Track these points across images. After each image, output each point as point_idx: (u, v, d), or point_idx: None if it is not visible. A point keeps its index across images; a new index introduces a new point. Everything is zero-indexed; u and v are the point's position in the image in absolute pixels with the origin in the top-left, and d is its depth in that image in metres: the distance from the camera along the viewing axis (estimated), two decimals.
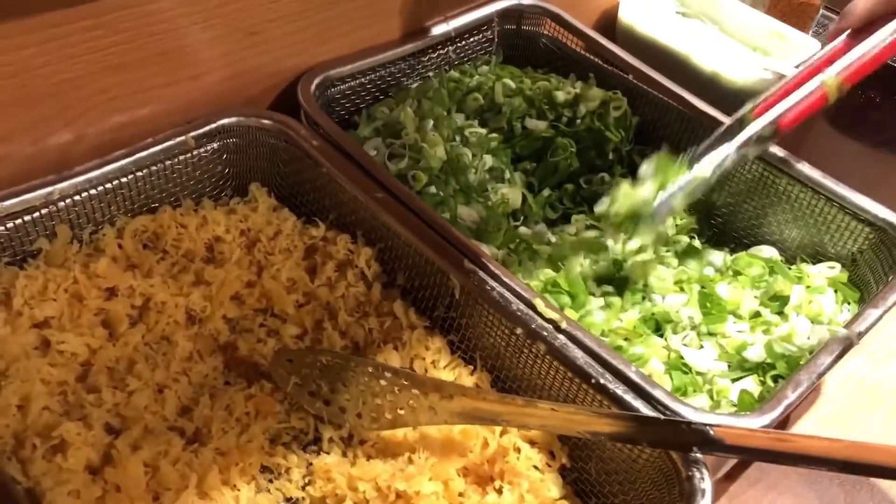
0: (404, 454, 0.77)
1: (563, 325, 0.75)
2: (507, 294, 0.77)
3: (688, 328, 0.89)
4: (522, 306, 0.76)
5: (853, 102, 1.14)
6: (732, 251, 1.02)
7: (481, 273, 0.78)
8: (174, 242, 0.86)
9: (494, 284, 0.78)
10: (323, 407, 0.78)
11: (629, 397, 0.71)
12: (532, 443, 0.77)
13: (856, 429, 0.91)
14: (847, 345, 0.77)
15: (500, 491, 0.73)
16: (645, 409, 0.70)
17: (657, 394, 0.70)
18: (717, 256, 0.99)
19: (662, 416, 0.69)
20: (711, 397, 0.82)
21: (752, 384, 0.83)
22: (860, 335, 0.78)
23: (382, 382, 0.76)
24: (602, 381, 0.72)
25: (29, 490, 0.62)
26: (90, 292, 0.78)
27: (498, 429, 0.77)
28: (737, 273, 0.96)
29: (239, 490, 0.73)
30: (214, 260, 0.87)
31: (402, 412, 0.76)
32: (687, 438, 0.65)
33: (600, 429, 0.68)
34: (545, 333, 0.75)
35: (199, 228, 0.87)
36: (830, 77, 0.85)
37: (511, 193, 1.00)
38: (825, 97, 0.85)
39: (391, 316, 0.85)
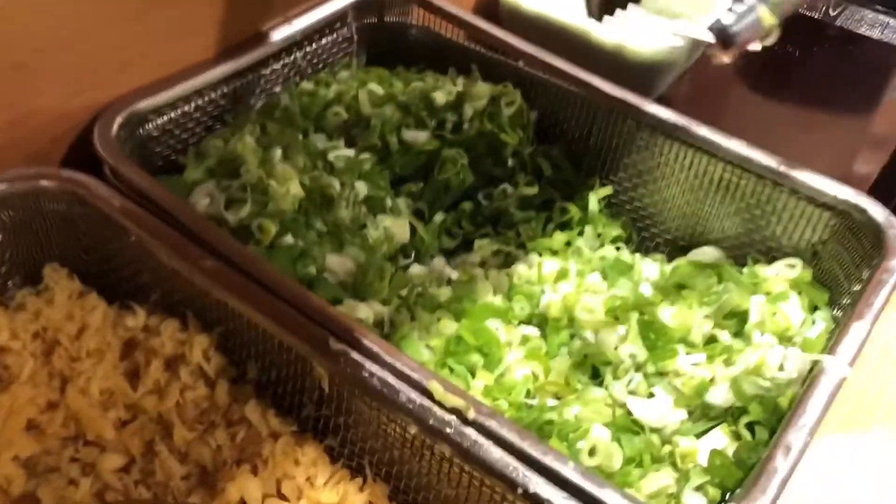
0: None
1: (471, 414, 0.55)
2: (392, 379, 0.57)
3: (631, 370, 0.71)
4: (414, 394, 0.56)
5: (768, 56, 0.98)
6: (669, 258, 0.84)
7: (353, 354, 0.58)
8: None
9: (373, 367, 0.57)
10: None
11: None
12: None
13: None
14: (840, 381, 0.59)
15: None
16: None
17: (607, 497, 0.51)
18: (652, 267, 0.80)
19: None
20: (675, 466, 0.63)
21: (722, 439, 0.64)
22: (852, 361, 0.61)
23: None
24: (532, 488, 0.52)
25: None
26: None
27: None
28: (679, 286, 0.78)
29: None
30: (0, 379, 0.64)
31: None
32: None
33: None
34: (448, 430, 0.55)
35: None
36: None
37: (395, 226, 0.80)
38: None
39: (245, 424, 0.63)
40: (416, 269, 0.80)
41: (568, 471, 0.52)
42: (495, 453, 0.53)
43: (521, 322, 0.76)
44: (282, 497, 0.61)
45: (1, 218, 0.68)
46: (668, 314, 0.73)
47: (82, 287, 0.70)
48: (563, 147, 0.88)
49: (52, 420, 0.63)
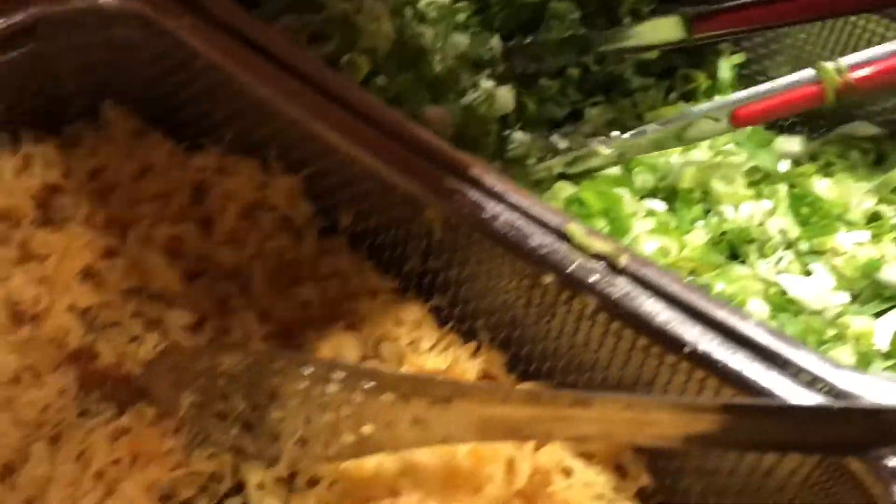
0: (382, 498, 0.47)
1: (623, 260, 0.45)
2: (520, 221, 0.47)
3: (780, 247, 0.60)
4: (549, 238, 0.46)
5: None
6: (808, 138, 0.72)
7: (473, 193, 0.48)
8: None
9: (497, 208, 0.47)
10: (242, 436, 0.48)
11: (752, 370, 0.41)
12: (588, 457, 0.47)
13: None
14: None
15: None
16: (787, 390, 0.41)
17: (802, 359, 0.41)
18: (793, 141, 0.69)
19: (832, 404, 0.40)
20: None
21: None
22: None
23: (332, 388, 0.45)
24: (703, 346, 0.42)
25: None
26: None
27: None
28: (828, 164, 0.67)
29: None
30: (51, 221, 0.55)
31: (370, 431, 0.46)
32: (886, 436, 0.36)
33: (708, 430, 0.38)
34: (593, 279, 0.45)
35: (19, 175, 0.55)
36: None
37: (500, 90, 0.69)
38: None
39: (336, 279, 0.54)
40: (519, 135, 0.70)
41: (749, 327, 0.42)
42: (653, 306, 0.43)
43: (643, 196, 0.66)
44: (380, 359, 0.52)
45: (54, 46, 0.58)
46: (824, 186, 0.62)
47: (141, 126, 0.60)
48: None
49: (112, 268, 0.54)
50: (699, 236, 0.61)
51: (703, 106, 0.65)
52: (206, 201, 0.57)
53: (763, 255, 0.60)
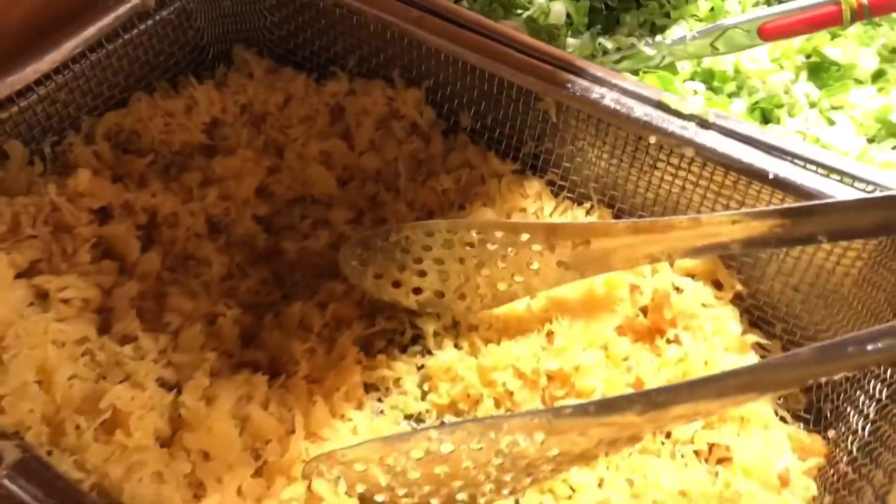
0: (536, 329, 0.60)
1: (711, 117, 0.57)
2: (624, 99, 0.59)
3: (805, 107, 0.73)
4: (648, 108, 0.59)
5: None
6: None
7: (582, 81, 0.60)
8: (162, 137, 0.65)
9: (602, 90, 0.60)
10: (414, 297, 0.61)
11: (818, 182, 0.54)
12: (691, 276, 0.61)
13: None
14: None
15: (676, 341, 0.58)
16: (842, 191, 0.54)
17: (851, 167, 0.54)
18: None
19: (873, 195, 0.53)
20: None
21: None
22: None
23: (490, 246, 0.58)
24: (782, 172, 0.55)
25: (97, 487, 0.43)
26: (78, 218, 0.57)
27: (646, 270, 0.61)
28: (834, 35, 0.80)
29: (351, 420, 0.55)
30: (219, 149, 0.67)
31: (519, 279, 0.59)
32: None
33: (771, 231, 0.51)
34: (688, 133, 0.57)
35: (187, 113, 0.66)
36: None
37: (553, 4, 0.81)
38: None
39: (466, 167, 0.66)
40: (572, 41, 0.82)
41: (811, 149, 0.55)
42: (739, 148, 0.56)
43: (685, 80, 0.78)
44: None
45: (195, 2, 0.68)
46: (836, 53, 0.75)
47: (273, 64, 0.71)
48: None
49: (278, 182, 0.66)
50: (738, 107, 0.74)
51: (735, 19, 0.74)
52: (344, 119, 0.68)
53: (792, 115, 0.73)
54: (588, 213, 0.64)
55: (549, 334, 0.59)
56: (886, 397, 0.51)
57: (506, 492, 0.49)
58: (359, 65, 0.69)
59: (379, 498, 0.49)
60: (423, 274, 0.60)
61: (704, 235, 0.53)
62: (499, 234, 0.58)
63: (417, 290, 0.61)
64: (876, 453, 0.48)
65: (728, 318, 0.59)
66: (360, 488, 0.49)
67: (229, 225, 0.64)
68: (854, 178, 0.54)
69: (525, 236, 0.57)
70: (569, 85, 0.60)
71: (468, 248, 0.59)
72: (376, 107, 0.67)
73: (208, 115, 0.66)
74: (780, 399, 0.58)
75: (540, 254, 0.58)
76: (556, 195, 0.65)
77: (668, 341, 0.58)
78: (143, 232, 0.61)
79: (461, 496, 0.49)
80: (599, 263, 0.57)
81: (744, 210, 0.55)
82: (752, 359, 0.58)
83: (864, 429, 0.52)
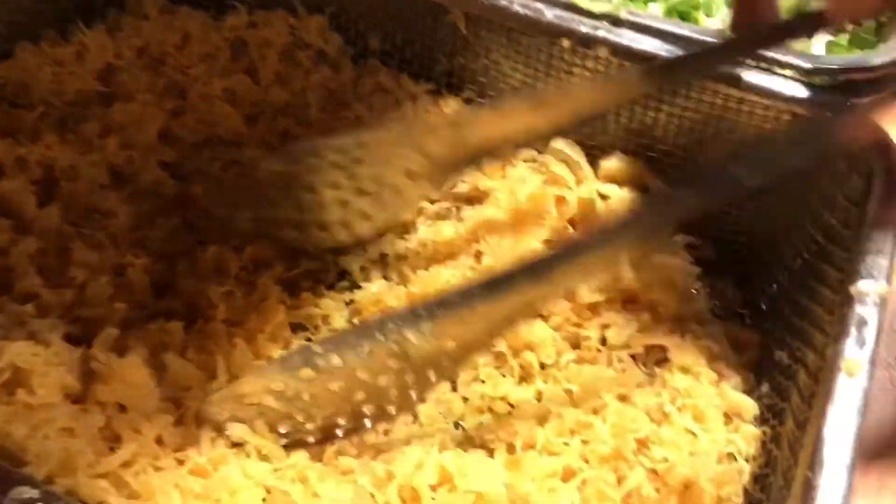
0: (464, 252, 0.58)
1: (623, 14, 0.56)
2: (533, 3, 0.57)
3: (723, 6, 0.72)
4: (558, 11, 0.56)
5: None
6: None
7: None
8: (53, 88, 0.61)
9: None
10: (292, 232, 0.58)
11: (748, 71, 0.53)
12: (616, 183, 0.59)
13: None
14: None
15: None
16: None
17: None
18: None
19: None
20: None
21: None
22: None
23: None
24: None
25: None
26: None
27: (570, 182, 0.59)
28: None
29: None
30: (117, 96, 0.63)
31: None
32: None
33: None
34: (602, 33, 0.55)
35: (79, 61, 0.62)
36: None
37: None
38: None
39: (378, 94, 0.64)
40: None
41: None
42: (655, 44, 0.55)
43: None
44: None
45: None
46: None
47: (168, 4, 0.67)
48: None
49: (183, 125, 0.63)
50: (654, 11, 0.72)
51: None
52: (247, 54, 0.65)
53: (710, 16, 0.72)
54: None
55: (478, 254, 0.57)
56: (816, 279, 0.50)
57: (413, 393, 0.47)
58: None
59: (282, 429, 0.47)
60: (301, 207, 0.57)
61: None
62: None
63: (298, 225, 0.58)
64: (808, 336, 0.47)
65: None
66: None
67: (134, 174, 0.60)
68: (771, 61, 0.53)
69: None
70: None
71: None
72: (279, 38, 0.64)
73: (101, 62, 0.63)
74: (715, 301, 0.58)
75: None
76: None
77: None
78: (40, 187, 0.57)
79: (368, 409, 0.47)
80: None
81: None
82: (684, 258, 0.56)
83: (796, 314, 0.51)
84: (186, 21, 0.65)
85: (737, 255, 0.59)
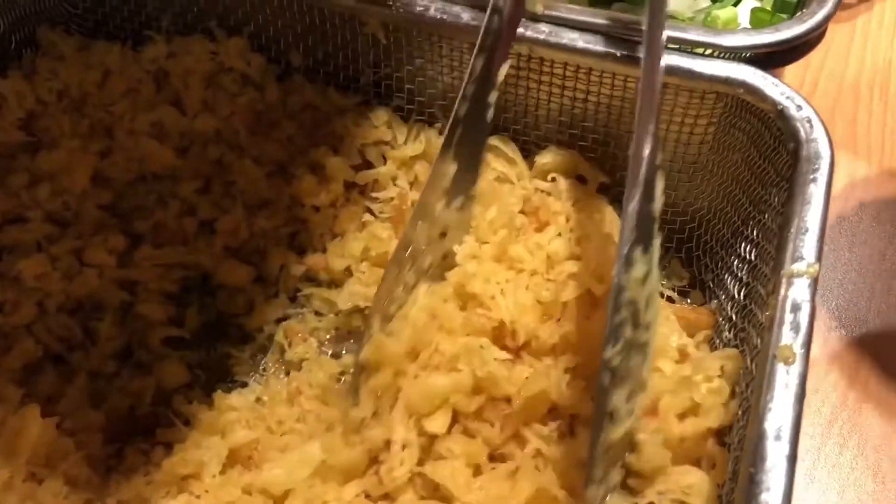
0: None
1: (539, 9, 0.55)
2: (449, 6, 0.56)
3: None
4: (474, 13, 0.56)
5: None
6: None
7: None
8: None
9: (425, 2, 0.56)
10: None
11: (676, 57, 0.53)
12: (553, 177, 0.59)
13: None
14: None
15: None
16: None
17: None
18: None
19: None
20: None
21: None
22: None
23: None
24: (620, 52, 0.53)
25: None
26: None
27: (513, 176, 0.59)
28: None
29: None
30: (42, 143, 0.62)
31: None
32: None
33: None
34: (519, 31, 0.55)
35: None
36: None
37: None
38: None
39: (307, 111, 0.63)
40: None
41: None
42: (573, 35, 0.54)
43: None
44: (368, 165, 0.61)
45: None
46: None
47: (84, 40, 0.66)
48: None
49: (114, 164, 0.62)
50: None
51: None
52: (170, 84, 0.63)
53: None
54: (441, 132, 0.62)
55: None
56: (755, 257, 0.51)
57: None
58: (174, 23, 0.64)
59: None
60: None
61: None
62: None
63: None
64: (751, 315, 0.48)
65: (601, 209, 0.58)
66: None
67: (74, 218, 0.60)
68: (692, 43, 0.53)
69: None
70: (390, 2, 0.57)
71: None
72: (201, 64, 0.63)
73: (22, 111, 0.61)
74: (663, 280, 0.58)
75: None
76: (406, 120, 0.62)
77: None
78: None
79: None
80: None
81: None
82: None
83: (740, 293, 0.51)
84: (104, 56, 0.63)
85: (681, 234, 0.59)
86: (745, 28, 0.65)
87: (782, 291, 0.43)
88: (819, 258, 0.43)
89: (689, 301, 0.58)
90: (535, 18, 0.55)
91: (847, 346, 0.59)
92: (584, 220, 0.57)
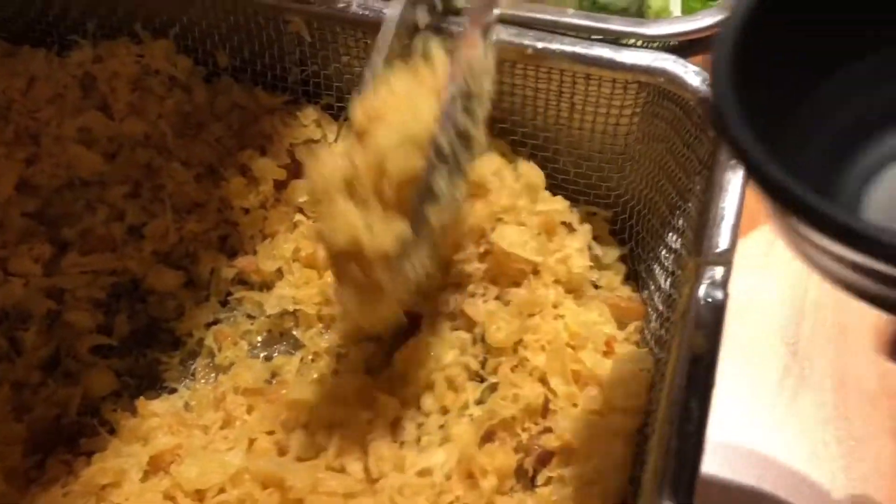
0: None
1: (461, 3, 0.54)
2: (371, 1, 0.56)
3: None
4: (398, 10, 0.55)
5: None
6: None
7: None
8: None
9: None
10: None
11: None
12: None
13: None
14: None
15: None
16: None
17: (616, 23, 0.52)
18: None
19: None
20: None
21: None
22: None
23: None
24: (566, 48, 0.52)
25: None
26: None
27: None
28: None
29: None
30: None
31: None
32: None
33: None
34: (441, 24, 0.54)
35: None
36: None
37: None
38: None
39: (235, 111, 0.62)
40: None
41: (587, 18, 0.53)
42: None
43: None
44: (297, 164, 0.61)
45: None
46: None
47: (9, 47, 0.65)
48: None
49: (41, 171, 0.61)
50: None
51: None
52: (97, 88, 0.62)
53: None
54: None
55: None
56: (681, 246, 0.50)
57: None
58: (100, 27, 0.64)
59: None
60: None
61: None
62: None
63: None
64: (675, 304, 0.47)
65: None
66: None
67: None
68: (616, 34, 0.52)
69: None
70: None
71: None
72: (127, 68, 0.62)
73: None
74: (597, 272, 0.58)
75: None
76: (336, 118, 0.62)
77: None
78: None
79: None
80: None
81: None
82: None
83: (666, 282, 0.51)
84: (29, 63, 0.63)
85: (614, 225, 0.59)
86: (673, 17, 0.65)
87: (697, 280, 0.42)
88: (734, 245, 0.43)
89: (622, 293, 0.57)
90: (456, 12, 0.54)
91: None
92: None
